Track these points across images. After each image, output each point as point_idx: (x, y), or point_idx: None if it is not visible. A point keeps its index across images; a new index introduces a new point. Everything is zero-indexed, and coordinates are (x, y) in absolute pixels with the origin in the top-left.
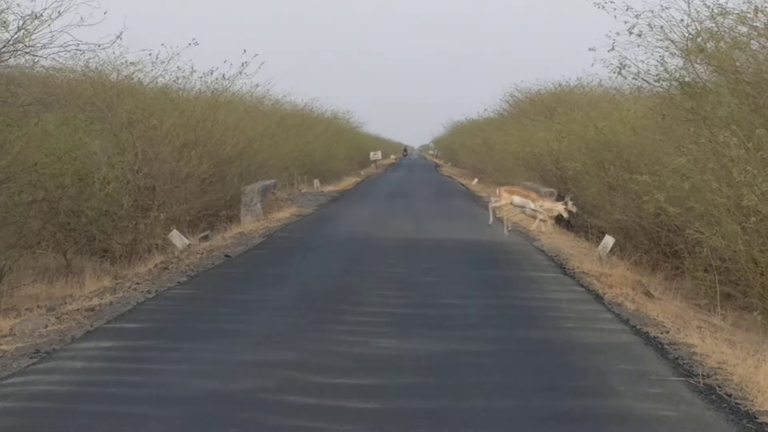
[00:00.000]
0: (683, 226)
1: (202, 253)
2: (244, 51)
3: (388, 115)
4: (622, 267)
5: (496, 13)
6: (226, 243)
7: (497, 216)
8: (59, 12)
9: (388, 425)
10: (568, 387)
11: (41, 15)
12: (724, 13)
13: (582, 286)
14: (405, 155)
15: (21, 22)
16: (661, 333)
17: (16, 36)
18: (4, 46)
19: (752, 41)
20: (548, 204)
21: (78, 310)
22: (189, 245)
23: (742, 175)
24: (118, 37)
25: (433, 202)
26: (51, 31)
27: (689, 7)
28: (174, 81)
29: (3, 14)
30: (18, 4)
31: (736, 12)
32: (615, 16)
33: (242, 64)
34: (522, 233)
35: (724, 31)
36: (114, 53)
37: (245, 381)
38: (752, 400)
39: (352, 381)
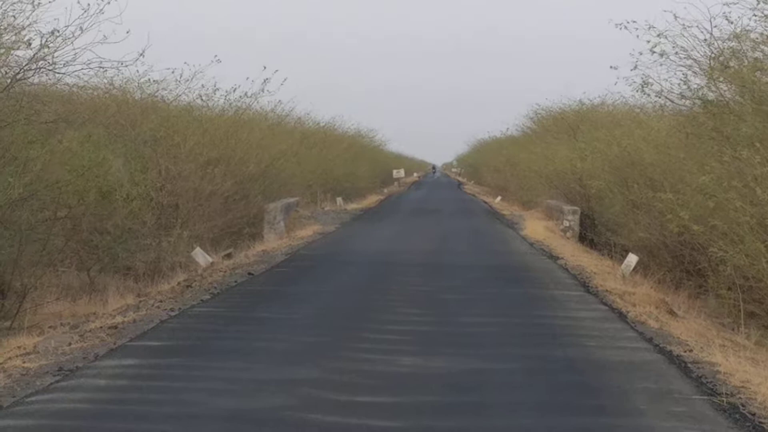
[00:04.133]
0: (707, 244)
1: (225, 271)
2: (264, 68)
3: (411, 132)
4: (645, 285)
5: (518, 34)
6: (249, 261)
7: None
8: (81, 29)
9: None
10: (591, 405)
11: (63, 32)
12: (746, 32)
13: (605, 304)
14: (433, 172)
15: (43, 40)
16: (685, 351)
17: (38, 54)
18: (27, 64)
19: None
20: None
21: (101, 327)
22: (212, 263)
23: (766, 194)
24: (140, 54)
25: (456, 220)
26: (74, 49)
27: (711, 27)
28: (197, 99)
29: (25, 32)
30: (37, 21)
31: (758, 31)
32: (637, 36)
33: (264, 81)
34: (545, 251)
35: (747, 51)
36: (138, 71)
37: (267, 399)
38: None
39: (376, 399)
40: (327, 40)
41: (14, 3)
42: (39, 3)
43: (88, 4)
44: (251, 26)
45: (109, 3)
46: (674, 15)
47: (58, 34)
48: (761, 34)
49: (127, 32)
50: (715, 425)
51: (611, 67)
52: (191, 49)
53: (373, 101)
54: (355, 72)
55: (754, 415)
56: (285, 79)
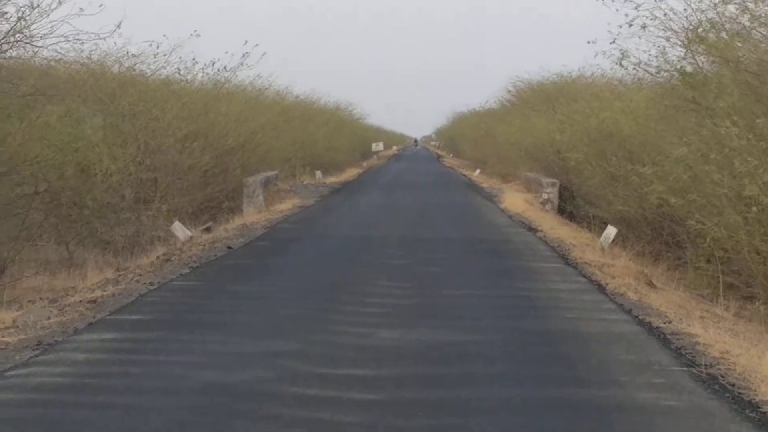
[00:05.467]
0: (685, 216)
1: (205, 245)
2: (245, 42)
3: (390, 105)
4: (624, 257)
5: (499, 10)
6: (228, 235)
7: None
8: (59, 2)
9: (391, 415)
10: (571, 376)
11: (39, 5)
12: (725, 2)
13: (584, 276)
14: (415, 145)
15: (20, 13)
16: (664, 323)
17: (15, 26)
18: (4, 37)
19: (754, 31)
20: None
21: (80, 302)
22: (191, 237)
23: (744, 166)
24: (117, 27)
25: (435, 194)
26: (51, 22)
27: None
28: (176, 73)
29: (1, 4)
30: None
31: (737, 1)
32: (616, 9)
33: (243, 55)
34: (524, 224)
35: (726, 21)
36: (116, 45)
37: (247, 372)
38: (755, 390)
39: (355, 372)
40: (312, 15)
41: None
42: None
43: None
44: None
45: None
46: None
47: (35, 6)
48: (741, 3)
49: (100, 6)
50: (695, 396)
51: (588, 42)
52: (172, 23)
53: (358, 78)
54: (340, 50)
55: (733, 386)
56: (264, 53)
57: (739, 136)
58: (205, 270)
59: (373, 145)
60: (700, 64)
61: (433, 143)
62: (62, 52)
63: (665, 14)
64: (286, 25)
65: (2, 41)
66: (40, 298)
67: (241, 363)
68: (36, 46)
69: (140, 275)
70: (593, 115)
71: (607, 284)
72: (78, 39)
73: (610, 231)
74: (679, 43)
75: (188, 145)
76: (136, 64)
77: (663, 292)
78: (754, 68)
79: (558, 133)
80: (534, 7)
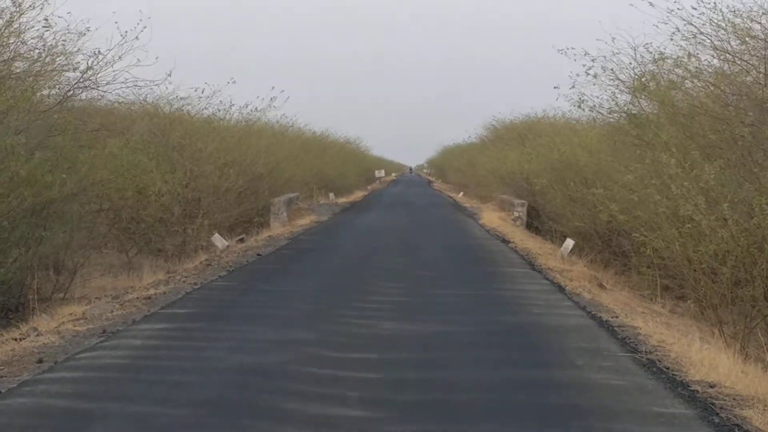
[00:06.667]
0: (630, 230)
1: (239, 253)
2: (272, 88)
3: (390, 140)
4: (580, 264)
5: (481, 54)
6: (258, 244)
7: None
8: (120, 57)
9: (390, 390)
10: (536, 361)
11: (105, 57)
12: (663, 58)
13: (547, 279)
14: (410, 172)
15: (89, 63)
16: (612, 317)
17: (85, 75)
18: (76, 83)
19: (686, 81)
20: None
21: (137, 298)
22: (228, 246)
23: (679, 190)
24: (168, 75)
25: (426, 211)
26: (114, 71)
27: (635, 53)
28: (216, 112)
29: (74, 57)
30: (83, 49)
31: (673, 57)
32: (575, 60)
33: (271, 99)
34: (499, 237)
35: (664, 73)
36: (167, 89)
37: (273, 356)
38: (686, 372)
39: (361, 355)
40: (330, 62)
41: (65, 33)
42: (84, 33)
43: (126, 32)
44: (263, 50)
45: (142, 31)
46: (605, 42)
47: (101, 58)
48: (676, 59)
49: (156, 59)
50: (637, 376)
51: (554, 87)
52: (207, 68)
53: (359, 113)
54: (346, 88)
55: (668, 368)
56: (288, 98)
57: (675, 165)
58: (239, 273)
59: (376, 172)
60: (643, 108)
61: (425, 171)
62: (123, 95)
63: (615, 66)
64: (305, 68)
65: (75, 86)
66: (105, 295)
67: (268, 348)
68: (102, 91)
69: (186, 277)
70: (555, 148)
71: (566, 286)
72: (136, 85)
73: (569, 243)
74: (626, 90)
75: (226, 172)
76: (183, 105)
77: (611, 293)
78: (686, 111)
79: (526, 163)
80: (509, 52)
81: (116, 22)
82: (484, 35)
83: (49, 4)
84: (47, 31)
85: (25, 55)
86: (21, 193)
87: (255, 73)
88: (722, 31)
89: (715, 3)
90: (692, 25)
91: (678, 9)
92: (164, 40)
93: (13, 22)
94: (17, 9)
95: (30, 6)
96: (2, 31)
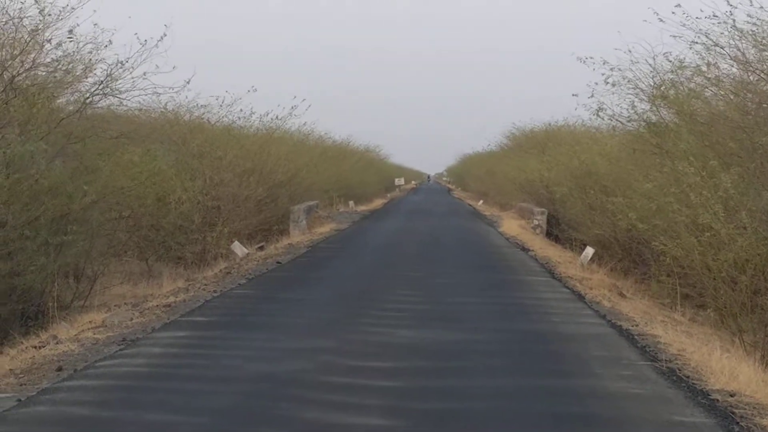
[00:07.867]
0: (650, 239)
1: (258, 261)
2: (294, 96)
3: (409, 146)
4: (600, 273)
5: (505, 58)
6: (277, 252)
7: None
8: (139, 63)
9: (408, 399)
10: (555, 369)
11: (124, 64)
12: (682, 66)
13: (567, 287)
14: (428, 180)
15: (109, 70)
16: (632, 326)
17: (104, 82)
18: (95, 90)
19: (706, 90)
20: None
21: (157, 306)
22: (248, 254)
23: (698, 198)
24: (187, 82)
25: (445, 220)
26: (133, 78)
27: (654, 62)
28: (236, 120)
29: (94, 66)
30: (103, 58)
31: (692, 66)
32: (594, 69)
33: (292, 107)
34: (519, 245)
35: (683, 82)
36: (187, 97)
37: (291, 364)
38: (706, 381)
39: (379, 364)
40: (351, 63)
41: (87, 44)
42: (107, 45)
43: (146, 40)
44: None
45: (162, 39)
46: (624, 51)
47: (121, 66)
48: (695, 67)
49: (174, 67)
50: (657, 385)
51: (573, 95)
52: (228, 72)
53: (378, 120)
54: (365, 89)
55: (688, 377)
56: (309, 106)
57: (694, 174)
58: (258, 281)
59: (396, 180)
60: (663, 116)
61: (444, 179)
62: (143, 103)
63: (634, 75)
64: (329, 71)
65: (94, 94)
66: (125, 303)
67: (286, 357)
68: (121, 98)
69: (206, 285)
70: (575, 156)
71: (585, 294)
72: (156, 92)
73: (589, 251)
74: (646, 99)
75: (245, 180)
76: (203, 113)
77: (631, 301)
78: (705, 120)
79: (546, 171)
80: (532, 57)
81: (135, 33)
82: (507, 37)
83: (74, 13)
84: (71, 41)
85: (46, 63)
86: (44, 202)
87: (279, 72)
88: (740, 41)
89: (731, 13)
90: (707, 36)
91: (696, 19)
92: (179, 42)
93: (38, 33)
94: (42, 20)
95: (58, 17)
96: (28, 42)
